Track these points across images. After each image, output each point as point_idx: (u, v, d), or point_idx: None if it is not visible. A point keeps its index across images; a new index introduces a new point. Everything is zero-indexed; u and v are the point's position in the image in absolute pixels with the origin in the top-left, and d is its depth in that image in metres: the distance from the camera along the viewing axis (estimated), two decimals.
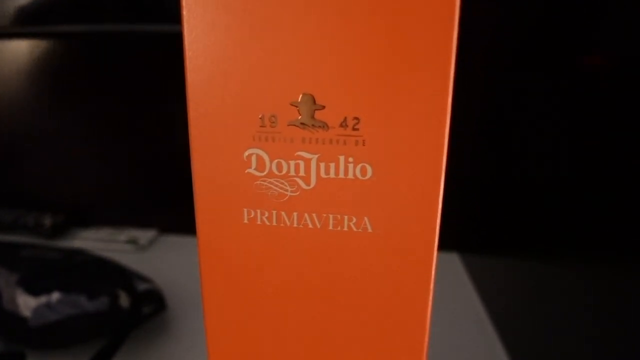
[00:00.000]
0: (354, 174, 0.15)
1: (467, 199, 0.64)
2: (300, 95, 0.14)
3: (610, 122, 0.27)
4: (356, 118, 0.14)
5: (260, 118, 0.15)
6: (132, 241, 0.67)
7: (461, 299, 0.55)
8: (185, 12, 0.15)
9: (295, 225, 0.16)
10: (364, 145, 0.15)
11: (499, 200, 0.52)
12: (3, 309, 0.42)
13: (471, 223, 0.64)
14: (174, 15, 0.63)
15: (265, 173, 0.15)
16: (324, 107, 0.14)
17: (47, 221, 0.70)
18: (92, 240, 0.67)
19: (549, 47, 0.38)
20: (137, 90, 0.69)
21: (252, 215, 0.16)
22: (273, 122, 0.15)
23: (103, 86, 0.70)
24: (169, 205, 0.73)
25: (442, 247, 0.68)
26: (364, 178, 0.15)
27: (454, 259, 0.66)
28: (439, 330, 0.47)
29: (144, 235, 0.69)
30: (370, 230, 0.15)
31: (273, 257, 0.16)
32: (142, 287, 0.45)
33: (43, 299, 0.41)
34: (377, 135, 0.14)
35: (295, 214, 0.16)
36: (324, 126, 0.15)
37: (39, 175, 0.75)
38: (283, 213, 0.16)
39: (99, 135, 0.72)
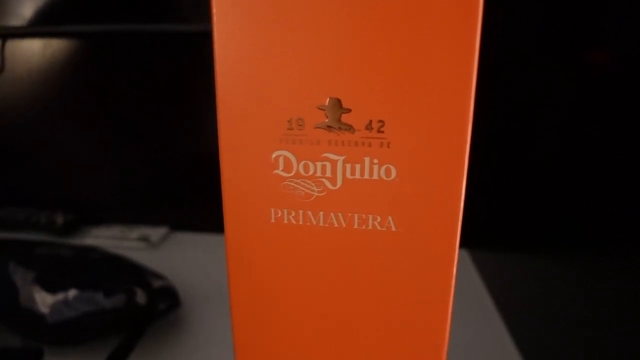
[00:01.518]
0: (379, 175, 0.15)
1: (476, 196, 0.65)
2: (327, 99, 0.15)
3: (620, 120, 0.27)
4: (381, 121, 0.15)
5: (288, 121, 0.15)
6: (144, 238, 0.67)
7: (470, 295, 0.55)
8: (215, 19, 0.15)
9: (321, 224, 0.16)
10: (388, 147, 0.15)
11: (508, 197, 0.53)
12: (20, 306, 0.43)
13: (480, 220, 0.64)
14: (186, 15, 0.64)
15: (292, 174, 0.16)
16: (350, 110, 0.15)
17: (59, 219, 0.70)
18: (104, 238, 0.68)
19: (560, 45, 0.38)
20: (148, 90, 0.70)
21: (279, 215, 0.16)
22: (300, 125, 0.15)
23: (115, 85, 0.70)
24: (180, 203, 0.73)
25: None
26: (388, 179, 0.15)
27: (464, 255, 0.67)
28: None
29: (155, 232, 0.70)
30: (394, 229, 0.16)
31: (299, 255, 0.17)
32: (157, 284, 0.45)
33: (60, 296, 0.42)
34: (401, 138, 0.15)
35: (321, 213, 0.16)
36: (350, 129, 0.15)
37: (50, 174, 0.75)
38: (309, 212, 0.16)
39: (110, 134, 0.72)
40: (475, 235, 0.65)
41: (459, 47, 0.14)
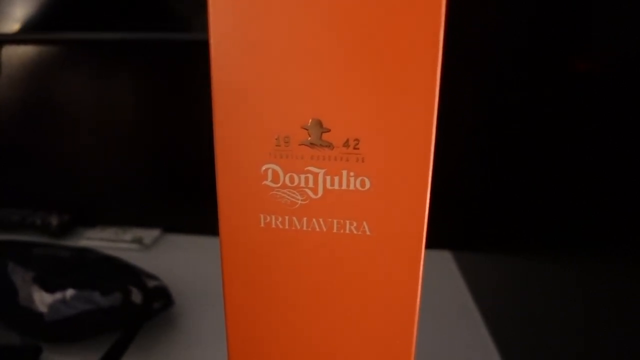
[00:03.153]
0: (355, 186, 0.18)
1: (460, 199, 0.67)
2: (310, 120, 0.17)
3: (600, 123, 0.29)
4: (356, 139, 0.17)
5: (276, 138, 0.18)
6: (137, 240, 0.69)
7: (453, 295, 0.58)
8: (212, 49, 0.17)
9: (304, 228, 0.18)
10: (363, 162, 0.17)
11: (490, 200, 0.55)
12: (19, 305, 0.44)
13: (463, 222, 0.66)
14: (185, 24, 0.66)
15: (279, 184, 0.18)
16: (329, 130, 0.17)
17: (54, 221, 0.72)
18: (98, 240, 0.70)
19: (541, 52, 0.40)
20: (144, 95, 0.72)
21: (267, 220, 0.19)
22: (287, 142, 0.18)
23: (111, 90, 0.72)
24: (173, 206, 0.75)
25: (435, 245, 0.71)
26: (363, 189, 0.18)
27: (447, 257, 0.69)
28: (431, 325, 0.50)
29: (149, 234, 0.72)
30: (368, 233, 0.18)
31: (285, 256, 0.19)
32: (151, 284, 0.47)
33: (58, 295, 0.44)
34: (374, 154, 0.17)
35: (304, 219, 0.18)
36: (330, 146, 0.17)
37: (45, 176, 0.77)
38: (294, 218, 0.18)
39: (105, 138, 0.74)
40: (459, 238, 0.68)
41: (421, 79, 0.16)
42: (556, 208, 0.35)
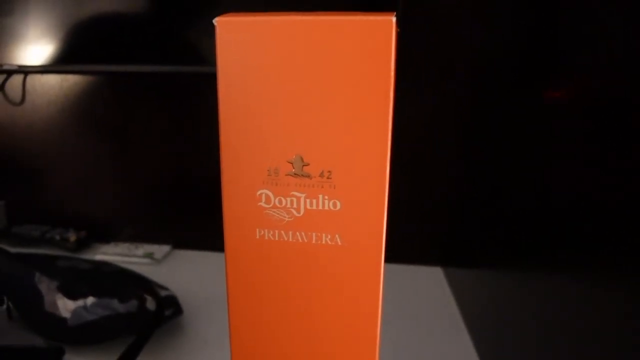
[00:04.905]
0: (329, 207, 0.23)
1: (451, 221, 0.72)
2: (294, 156, 0.23)
3: (576, 147, 0.31)
4: (329, 171, 0.22)
5: (268, 170, 0.23)
6: (149, 255, 0.74)
7: (441, 307, 0.62)
8: (221, 101, 0.23)
9: (290, 240, 0.24)
10: (334, 188, 0.23)
11: (478, 222, 0.59)
12: (45, 311, 0.50)
13: (454, 241, 0.71)
14: (192, 58, 0.72)
15: (271, 205, 0.23)
16: (308, 164, 0.22)
17: (72, 236, 0.78)
18: (112, 254, 0.75)
19: (521, 81, 0.44)
20: (155, 123, 0.78)
21: (262, 233, 0.24)
22: (276, 173, 0.23)
23: (126, 117, 0.78)
24: (182, 223, 0.81)
25: (428, 261, 0.76)
26: (335, 209, 0.23)
27: (438, 272, 0.74)
28: (419, 334, 0.55)
29: (159, 249, 0.77)
30: (339, 243, 0.23)
31: (276, 261, 0.24)
32: (163, 293, 0.52)
33: (80, 302, 0.49)
34: (343, 182, 0.22)
35: (290, 232, 0.24)
36: (309, 176, 0.23)
37: (64, 195, 0.83)
38: (282, 232, 0.24)
39: (119, 161, 0.80)
40: (449, 255, 0.72)
41: (375, 128, 0.22)
42: (534, 231, 0.38)
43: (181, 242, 0.81)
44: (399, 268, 0.73)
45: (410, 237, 0.74)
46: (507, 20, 0.51)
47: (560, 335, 0.32)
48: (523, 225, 0.41)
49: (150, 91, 0.77)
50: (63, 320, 0.49)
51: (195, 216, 0.80)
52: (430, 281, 0.70)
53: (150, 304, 0.49)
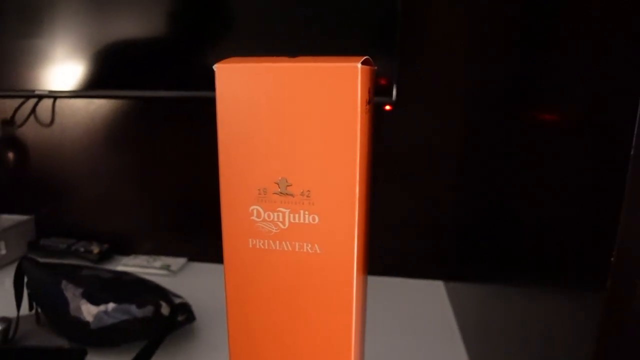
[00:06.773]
0: (309, 220, 0.27)
1: (452, 238, 0.75)
2: (279, 178, 0.27)
3: (566, 168, 0.31)
4: (308, 190, 0.27)
5: (258, 189, 0.27)
6: (166, 267, 0.79)
7: (439, 319, 0.65)
8: (219, 137, 0.27)
9: (277, 248, 0.28)
10: (313, 205, 0.27)
11: (478, 239, 0.61)
12: (70, 315, 0.55)
13: (454, 256, 0.74)
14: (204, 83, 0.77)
15: (261, 219, 0.28)
16: (291, 184, 0.27)
17: (95, 249, 0.83)
18: (132, 266, 0.80)
19: (511, 106, 0.45)
20: (172, 146, 0.83)
21: (253, 243, 0.28)
22: (265, 192, 0.27)
23: (146, 138, 0.84)
24: (197, 238, 0.85)
25: (430, 276, 0.79)
26: (314, 222, 0.27)
27: (439, 286, 0.77)
28: (416, 343, 0.58)
29: (176, 262, 0.82)
30: (318, 252, 0.28)
31: (265, 267, 0.29)
32: (177, 300, 0.57)
33: (102, 307, 0.54)
34: (320, 200, 0.27)
35: (277, 242, 0.28)
36: (292, 194, 0.27)
37: (88, 211, 0.89)
38: (271, 241, 0.28)
39: (139, 180, 0.85)
40: (450, 270, 0.75)
41: (345, 156, 0.26)
42: (528, 248, 0.38)
43: (196, 255, 0.86)
44: (402, 282, 0.77)
45: (413, 253, 0.78)
46: (498, 58, 0.54)
47: (545, 339, 0.33)
48: (518, 241, 0.41)
49: (168, 114, 0.82)
50: (86, 323, 0.54)
51: (210, 231, 0.84)
52: (433, 294, 0.74)
53: (165, 309, 0.54)
